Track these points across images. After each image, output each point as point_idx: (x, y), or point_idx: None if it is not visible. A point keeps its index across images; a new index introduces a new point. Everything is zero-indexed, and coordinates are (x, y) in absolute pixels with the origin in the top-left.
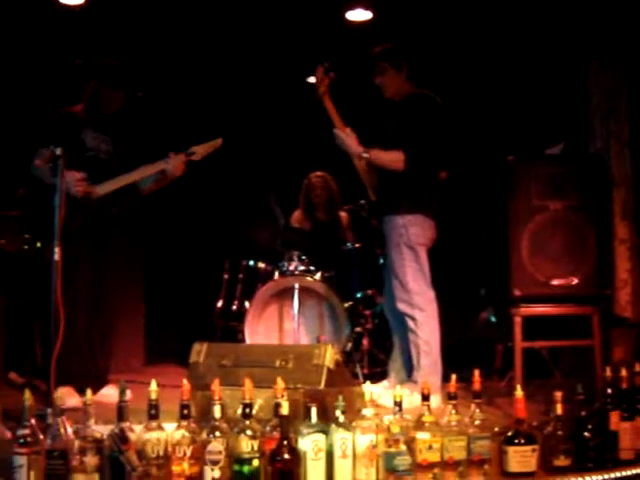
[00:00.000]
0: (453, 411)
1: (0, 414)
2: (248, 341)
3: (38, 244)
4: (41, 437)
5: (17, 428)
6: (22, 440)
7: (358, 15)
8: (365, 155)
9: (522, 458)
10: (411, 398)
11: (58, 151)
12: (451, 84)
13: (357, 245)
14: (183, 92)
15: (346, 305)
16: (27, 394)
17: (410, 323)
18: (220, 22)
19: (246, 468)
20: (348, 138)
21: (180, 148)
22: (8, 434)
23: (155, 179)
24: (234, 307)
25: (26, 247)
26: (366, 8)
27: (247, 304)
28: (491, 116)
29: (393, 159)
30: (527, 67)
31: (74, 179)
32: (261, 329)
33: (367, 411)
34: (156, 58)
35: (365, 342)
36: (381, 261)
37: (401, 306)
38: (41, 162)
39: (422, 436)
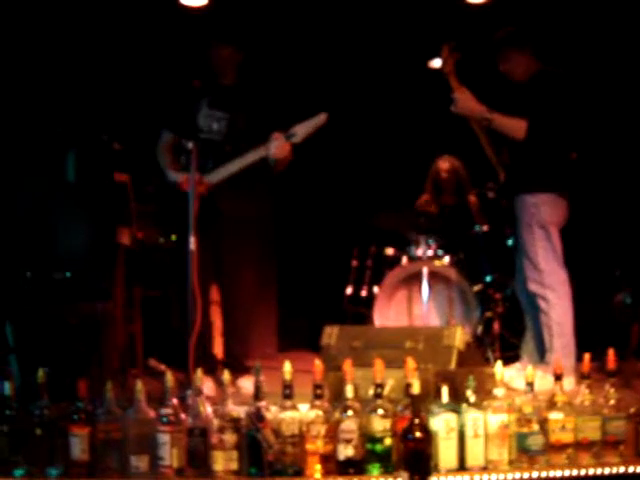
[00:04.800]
0: (586, 391)
1: (144, 396)
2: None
3: (173, 237)
4: (182, 416)
5: (160, 408)
6: (165, 419)
7: None
8: (487, 116)
9: None
10: (543, 381)
11: (190, 145)
12: (580, 60)
13: (485, 228)
14: (310, 87)
15: (476, 289)
16: (169, 376)
17: (542, 304)
18: (343, 9)
19: (379, 446)
20: (470, 100)
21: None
22: (152, 413)
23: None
24: (363, 293)
25: (162, 240)
26: None
27: (376, 290)
28: (622, 92)
29: (515, 126)
30: None
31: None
32: (391, 314)
33: (498, 391)
34: (273, 49)
35: (496, 326)
36: (510, 242)
37: (532, 286)
38: (164, 149)
39: (555, 416)
